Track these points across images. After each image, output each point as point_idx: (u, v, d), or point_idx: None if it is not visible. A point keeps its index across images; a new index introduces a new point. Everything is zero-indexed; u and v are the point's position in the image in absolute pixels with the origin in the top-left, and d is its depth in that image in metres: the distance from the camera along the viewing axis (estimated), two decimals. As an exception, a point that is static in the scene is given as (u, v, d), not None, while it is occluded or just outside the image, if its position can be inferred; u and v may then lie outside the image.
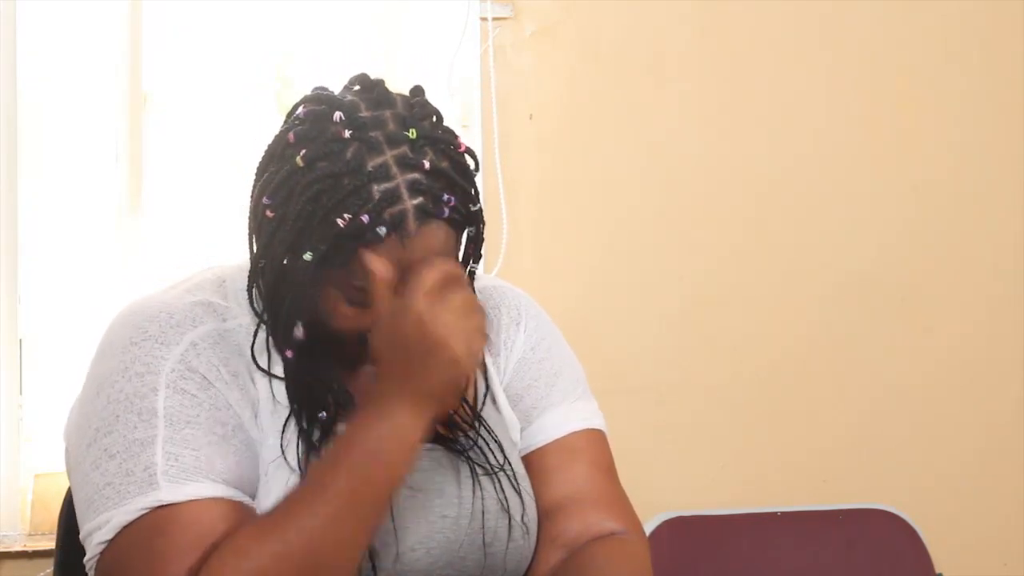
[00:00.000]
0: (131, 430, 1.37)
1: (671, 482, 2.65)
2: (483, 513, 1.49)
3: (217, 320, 1.44)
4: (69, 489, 1.64)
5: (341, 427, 1.44)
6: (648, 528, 2.47)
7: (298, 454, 1.42)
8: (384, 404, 1.34)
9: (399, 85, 1.59)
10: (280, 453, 1.42)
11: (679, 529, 2.49)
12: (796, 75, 2.73)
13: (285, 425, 1.43)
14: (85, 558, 1.40)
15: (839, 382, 2.73)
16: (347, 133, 1.36)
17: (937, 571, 2.56)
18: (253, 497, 1.40)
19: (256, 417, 1.43)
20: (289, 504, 1.34)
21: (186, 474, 1.36)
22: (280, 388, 1.44)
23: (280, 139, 1.41)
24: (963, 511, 2.75)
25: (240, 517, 1.37)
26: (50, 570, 2.35)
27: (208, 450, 1.37)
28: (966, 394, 2.78)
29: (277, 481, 1.41)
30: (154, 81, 2.56)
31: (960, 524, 2.73)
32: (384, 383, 1.35)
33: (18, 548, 2.40)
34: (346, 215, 1.34)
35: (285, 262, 1.37)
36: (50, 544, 2.32)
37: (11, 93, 2.45)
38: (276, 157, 1.40)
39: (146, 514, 1.35)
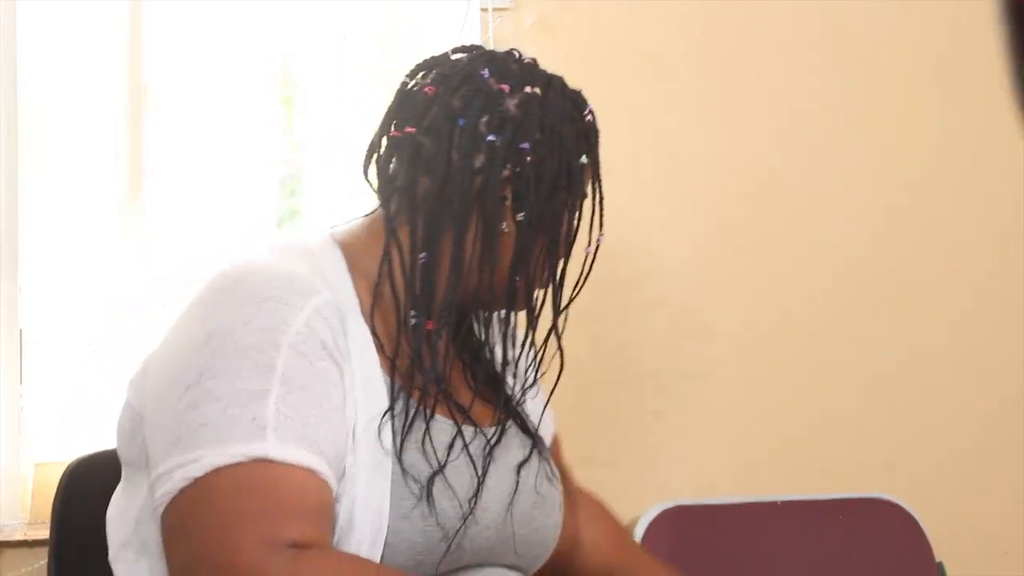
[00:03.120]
0: (243, 379, 1.32)
1: (671, 471, 2.65)
2: (516, 485, 1.52)
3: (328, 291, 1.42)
4: (62, 479, 1.63)
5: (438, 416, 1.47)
6: (647, 517, 2.47)
7: (392, 435, 1.41)
8: None
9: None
10: (377, 436, 1.40)
11: (678, 518, 2.49)
12: (796, 73, 2.73)
13: (388, 411, 1.42)
14: (157, 494, 1.32)
15: (839, 372, 2.73)
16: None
17: (937, 559, 2.56)
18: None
19: (350, 393, 1.40)
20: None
21: (295, 438, 1.31)
22: (372, 369, 1.43)
23: (449, 112, 1.51)
24: (963, 500, 2.75)
25: (330, 501, 1.34)
26: (50, 560, 2.36)
27: (315, 421, 1.33)
28: (966, 383, 2.77)
29: (367, 463, 1.38)
30: (154, 78, 2.56)
31: (961, 513, 2.73)
32: None
33: (18, 537, 2.40)
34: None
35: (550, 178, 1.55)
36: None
37: (11, 93, 2.46)
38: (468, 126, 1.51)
39: (245, 463, 1.29)
